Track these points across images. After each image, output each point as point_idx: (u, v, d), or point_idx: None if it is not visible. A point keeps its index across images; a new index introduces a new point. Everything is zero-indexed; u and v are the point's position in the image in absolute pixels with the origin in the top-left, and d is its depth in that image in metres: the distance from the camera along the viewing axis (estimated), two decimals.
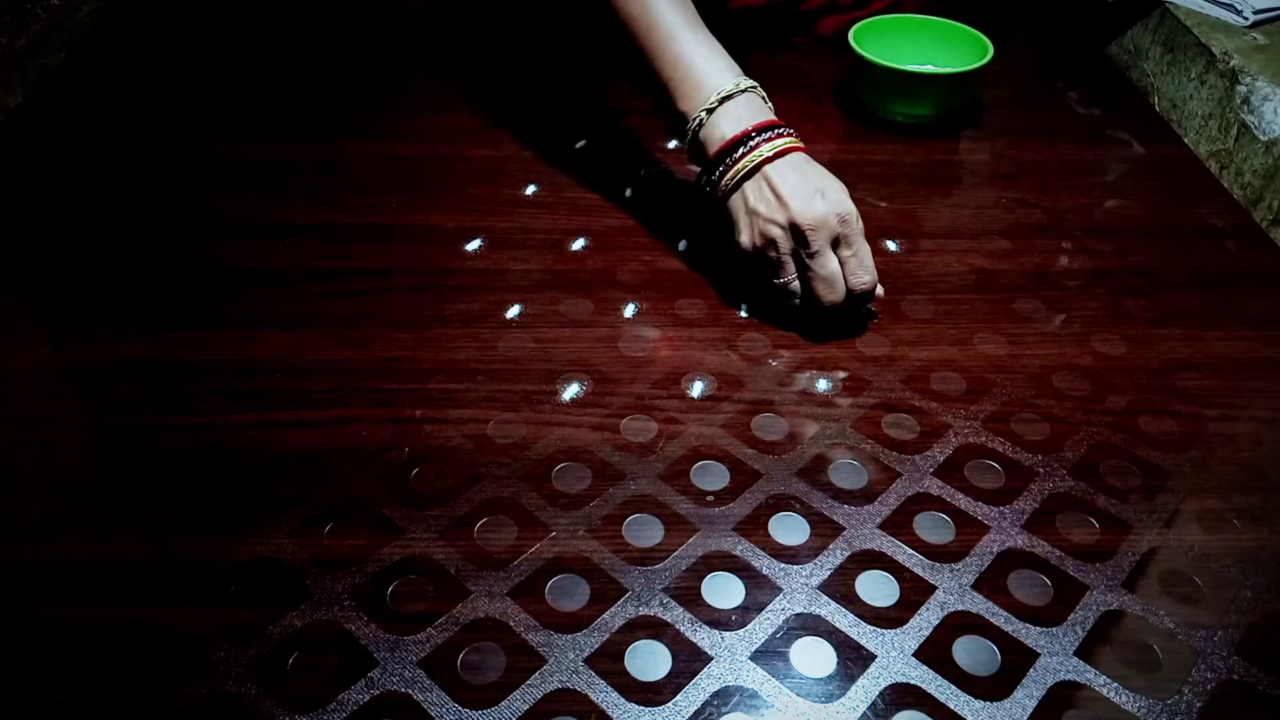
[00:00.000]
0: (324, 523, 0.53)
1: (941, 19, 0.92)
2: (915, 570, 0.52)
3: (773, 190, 0.63)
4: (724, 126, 0.65)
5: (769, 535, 0.53)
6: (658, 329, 0.67)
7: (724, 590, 0.51)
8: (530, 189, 0.81)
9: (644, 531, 0.53)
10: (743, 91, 0.65)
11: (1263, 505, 0.55)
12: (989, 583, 0.51)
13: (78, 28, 1.01)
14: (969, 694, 0.46)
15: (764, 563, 0.52)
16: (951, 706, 0.46)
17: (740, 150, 0.64)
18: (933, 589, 0.51)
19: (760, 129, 0.64)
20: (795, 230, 0.62)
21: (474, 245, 0.74)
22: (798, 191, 0.62)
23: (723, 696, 0.46)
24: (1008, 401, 0.62)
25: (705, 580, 0.51)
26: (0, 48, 0.90)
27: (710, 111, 0.65)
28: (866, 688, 0.46)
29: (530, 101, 0.93)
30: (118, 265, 0.72)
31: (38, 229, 0.76)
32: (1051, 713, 0.45)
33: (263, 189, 0.80)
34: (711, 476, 0.56)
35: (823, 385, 0.63)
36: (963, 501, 0.55)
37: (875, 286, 0.65)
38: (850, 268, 0.64)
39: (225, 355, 0.64)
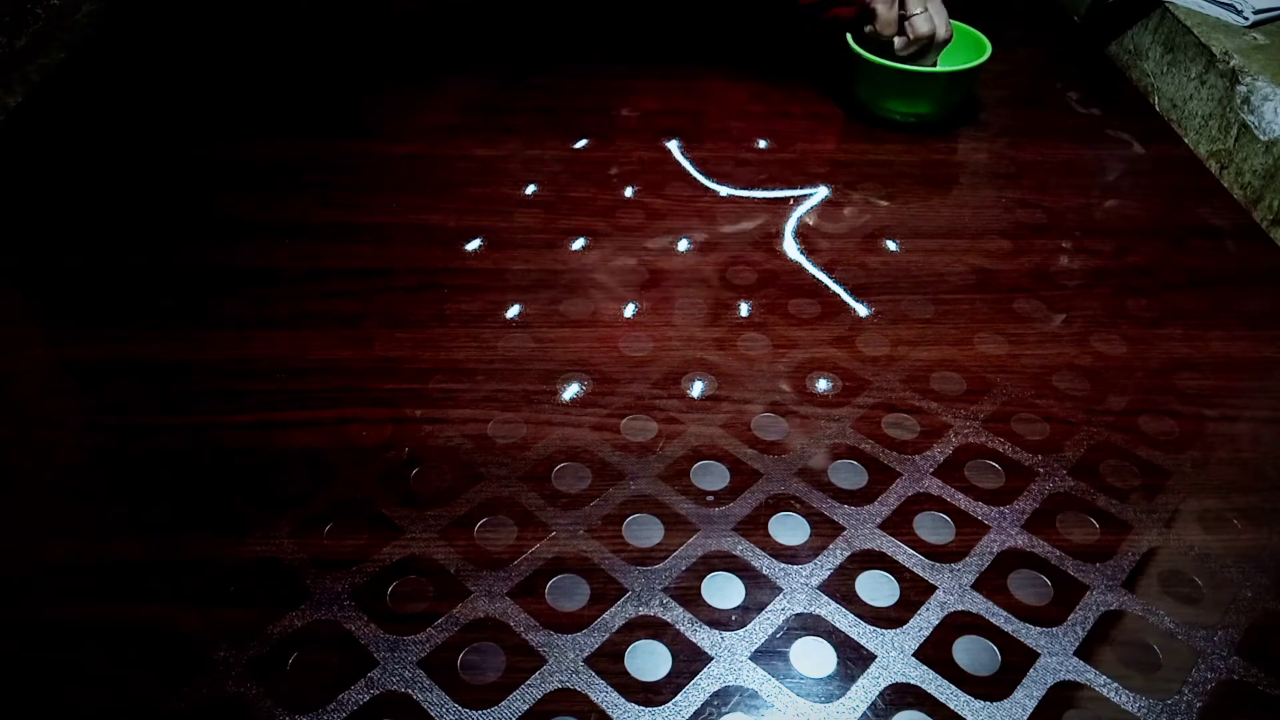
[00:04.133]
0: (324, 523, 0.53)
1: None
2: (915, 570, 0.52)
3: None
4: None
5: (769, 535, 0.53)
6: (658, 329, 0.67)
7: (724, 590, 0.51)
8: (530, 189, 0.81)
9: (644, 531, 0.53)
10: None
11: (1263, 505, 0.55)
12: (989, 583, 0.51)
13: (78, 28, 1.01)
14: (969, 694, 0.46)
15: (764, 563, 0.52)
16: (951, 706, 0.46)
17: None
18: (933, 589, 0.51)
19: None
20: None
21: (474, 245, 0.74)
22: None
23: (723, 696, 0.46)
24: (1008, 401, 0.62)
25: (705, 580, 0.51)
26: (0, 48, 0.90)
27: None
28: (866, 688, 0.46)
29: (530, 101, 0.93)
30: (117, 265, 0.72)
31: (37, 229, 0.76)
32: (1051, 713, 0.45)
33: (262, 189, 0.80)
34: (711, 476, 0.56)
35: (823, 385, 0.63)
36: (963, 501, 0.55)
37: (940, 34, 0.84)
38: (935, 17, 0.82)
39: (225, 355, 0.64)
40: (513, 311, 0.68)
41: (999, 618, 0.49)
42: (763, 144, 0.87)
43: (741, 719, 0.45)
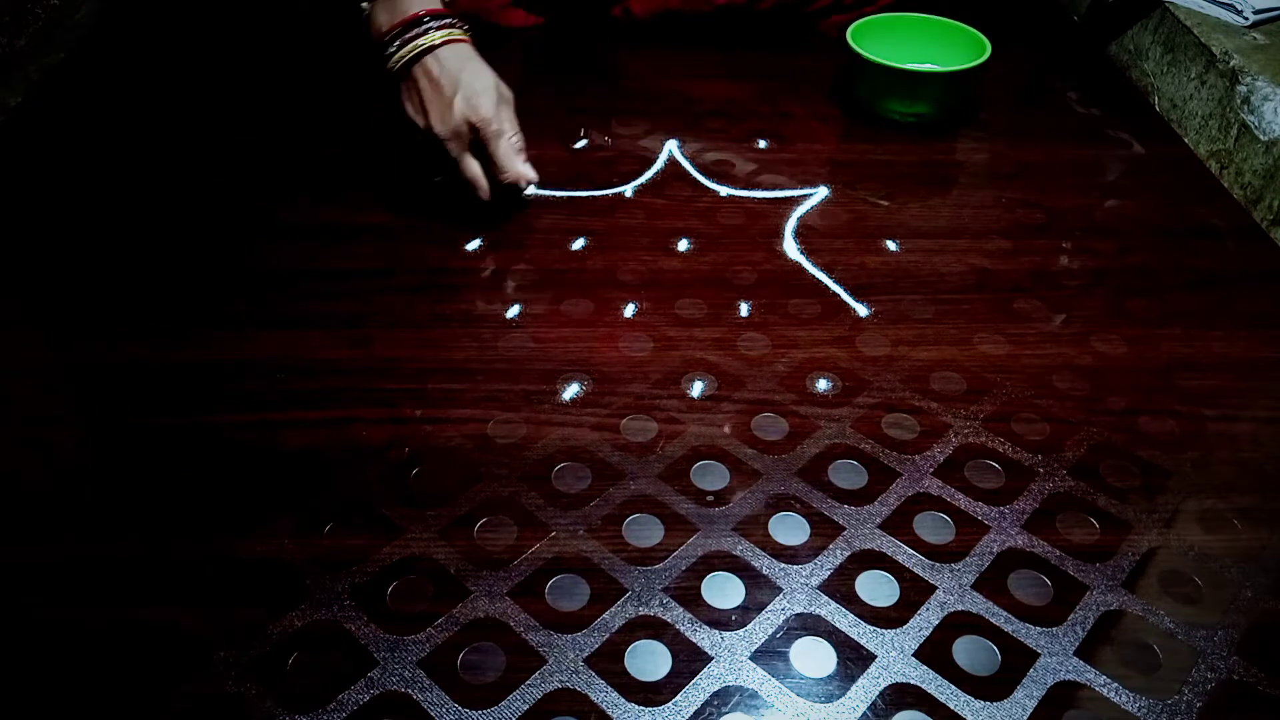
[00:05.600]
0: (324, 523, 0.53)
1: (940, 18, 0.92)
2: (915, 570, 0.52)
3: (418, 94, 0.66)
4: (382, 16, 0.66)
5: (769, 535, 0.53)
6: (658, 329, 0.67)
7: (724, 590, 0.51)
8: (530, 189, 0.81)
9: (644, 531, 0.53)
10: None
11: (1263, 505, 0.55)
12: (989, 583, 0.51)
13: (78, 28, 1.01)
14: (969, 694, 0.46)
15: (764, 563, 0.52)
16: (951, 706, 0.46)
17: (397, 41, 0.66)
18: (933, 589, 0.51)
19: (427, 15, 0.66)
20: (434, 137, 0.67)
21: (474, 245, 0.74)
22: (435, 98, 0.65)
23: (723, 696, 0.46)
24: (1008, 401, 0.62)
25: (705, 580, 0.51)
26: (0, 48, 0.90)
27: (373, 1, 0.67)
28: (866, 688, 0.46)
29: (531, 101, 0.93)
30: (117, 266, 0.72)
31: (36, 229, 0.76)
32: (1051, 713, 0.45)
33: (262, 189, 0.80)
34: (711, 476, 0.56)
35: (823, 385, 0.63)
36: (963, 501, 0.55)
37: (524, 179, 0.71)
38: (493, 168, 0.69)
39: (225, 355, 0.64)
40: (513, 311, 0.68)
41: (999, 618, 0.49)
42: (763, 144, 0.87)
43: (741, 719, 0.45)
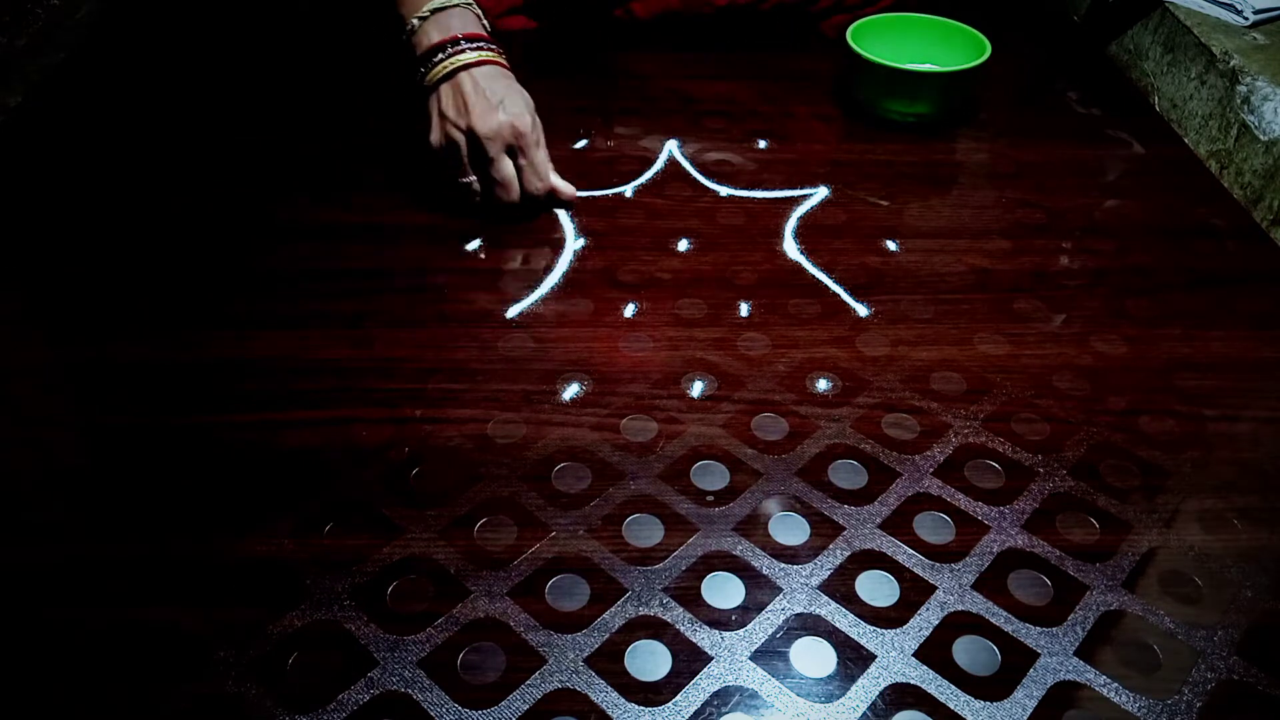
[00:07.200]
0: (324, 523, 0.53)
1: (940, 18, 0.92)
2: (915, 570, 0.52)
3: (461, 97, 0.71)
4: (431, 33, 0.73)
5: (769, 535, 0.53)
6: (658, 329, 0.67)
7: (724, 590, 0.51)
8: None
9: (644, 531, 0.53)
10: (455, 5, 0.73)
11: (1263, 505, 0.55)
12: (989, 583, 0.51)
13: (78, 28, 1.01)
14: (969, 694, 0.46)
15: (764, 563, 0.52)
16: (951, 706, 0.46)
17: (440, 55, 0.72)
18: (933, 589, 0.51)
19: (465, 38, 0.72)
20: (474, 136, 0.71)
21: (474, 245, 0.74)
22: (480, 102, 0.71)
23: (723, 696, 0.46)
24: (1008, 401, 0.62)
25: (705, 580, 0.51)
26: (0, 48, 0.90)
27: (423, 19, 0.73)
28: (866, 688, 0.46)
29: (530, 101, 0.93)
30: (117, 266, 0.72)
31: (37, 229, 0.76)
32: (1051, 713, 0.45)
33: (262, 189, 0.80)
34: (711, 476, 0.56)
35: (823, 385, 0.63)
36: (963, 501, 0.55)
37: (550, 191, 0.76)
38: (525, 175, 0.74)
39: (225, 355, 0.64)
40: (513, 311, 0.68)
41: (999, 618, 0.49)
42: (763, 144, 0.87)
43: (741, 719, 0.45)
